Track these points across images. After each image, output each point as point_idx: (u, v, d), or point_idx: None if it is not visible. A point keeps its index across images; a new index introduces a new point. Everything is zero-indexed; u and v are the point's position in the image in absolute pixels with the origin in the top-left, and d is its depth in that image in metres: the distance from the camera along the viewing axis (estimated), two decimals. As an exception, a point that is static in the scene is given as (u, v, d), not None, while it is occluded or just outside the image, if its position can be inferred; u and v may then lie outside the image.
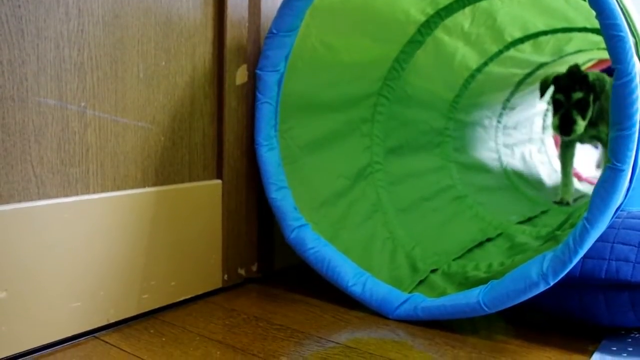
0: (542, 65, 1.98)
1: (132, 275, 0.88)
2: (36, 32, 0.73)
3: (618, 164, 0.70)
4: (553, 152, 2.54)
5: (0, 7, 0.70)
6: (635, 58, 0.70)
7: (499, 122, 2.12)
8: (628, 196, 0.73)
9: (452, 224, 1.44)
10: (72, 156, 0.80)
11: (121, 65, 0.85)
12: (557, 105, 1.73)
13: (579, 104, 1.67)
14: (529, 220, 1.59)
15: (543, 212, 1.72)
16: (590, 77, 1.67)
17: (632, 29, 0.75)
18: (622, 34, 0.69)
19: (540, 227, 1.46)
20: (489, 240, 1.36)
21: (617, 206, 0.72)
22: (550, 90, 1.74)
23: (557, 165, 2.50)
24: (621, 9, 0.73)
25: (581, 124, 1.67)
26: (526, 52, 1.72)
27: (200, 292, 1.00)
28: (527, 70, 1.97)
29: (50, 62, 0.76)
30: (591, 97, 1.67)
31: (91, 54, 0.80)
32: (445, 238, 1.33)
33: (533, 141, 2.44)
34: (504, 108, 2.11)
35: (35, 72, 0.74)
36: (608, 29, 0.70)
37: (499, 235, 1.40)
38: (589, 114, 1.68)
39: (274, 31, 0.97)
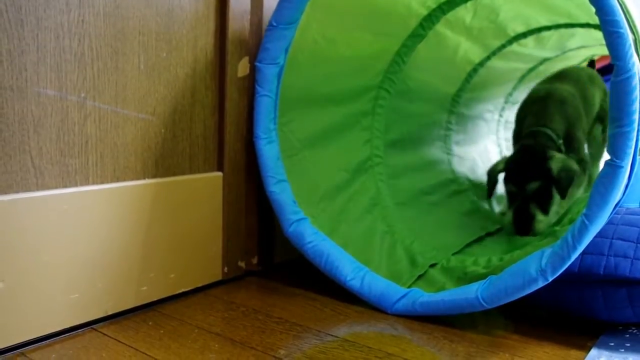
0: (545, 60, 1.97)
1: (130, 267, 0.88)
2: (36, 22, 0.73)
3: (617, 161, 0.69)
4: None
5: (0, -3, 0.70)
6: (635, 55, 0.69)
7: (500, 116, 2.11)
8: (627, 193, 0.73)
9: (452, 218, 1.44)
10: (71, 147, 0.80)
11: (122, 56, 0.85)
12: (511, 198, 1.37)
13: (538, 195, 1.30)
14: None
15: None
16: (554, 165, 1.30)
17: (632, 26, 0.74)
18: (621, 30, 0.68)
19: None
20: (488, 234, 1.36)
21: (615, 202, 0.72)
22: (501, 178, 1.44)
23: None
24: (621, 6, 0.72)
25: (542, 220, 1.30)
26: (529, 47, 1.71)
27: (199, 285, 1.00)
28: (530, 65, 1.97)
29: (50, 53, 0.75)
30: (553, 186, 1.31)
31: (92, 45, 0.80)
32: (445, 232, 1.33)
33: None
34: (506, 102, 2.10)
35: (34, 62, 0.74)
36: (607, 25, 0.69)
37: (498, 230, 1.40)
38: (553, 204, 1.31)
39: (274, 24, 0.96)
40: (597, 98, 1.68)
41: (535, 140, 1.39)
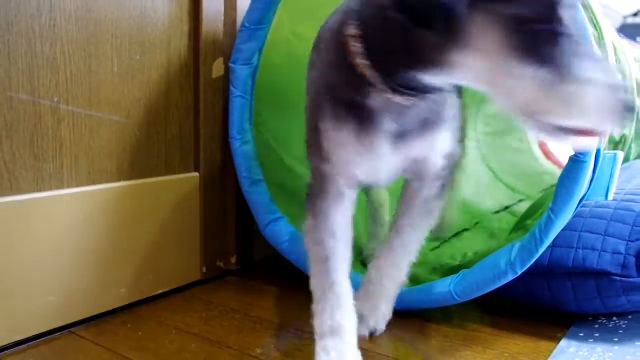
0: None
1: (108, 269, 0.89)
2: (7, 27, 0.73)
3: (580, 156, 0.71)
4: (534, 140, 2.55)
5: (-31, 3, 0.70)
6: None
7: (478, 109, 2.13)
8: (592, 187, 0.75)
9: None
10: (45, 151, 0.80)
11: (95, 60, 0.85)
12: None
13: None
14: (507, 208, 1.61)
15: (521, 201, 1.74)
16: None
17: (594, 21, 0.76)
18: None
19: (518, 215, 1.48)
20: (466, 230, 1.38)
21: (581, 197, 0.74)
22: None
23: (538, 153, 2.52)
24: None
25: None
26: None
27: (178, 285, 1.01)
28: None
29: (22, 58, 0.76)
30: None
31: (64, 49, 0.80)
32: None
33: (513, 130, 2.45)
34: (483, 96, 2.12)
35: (6, 67, 0.74)
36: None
37: (476, 224, 1.42)
38: None
39: (247, 25, 0.97)
40: None
41: None
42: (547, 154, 2.52)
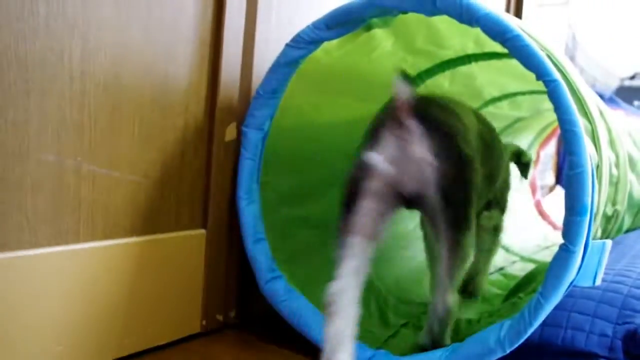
0: (519, 120, 2.06)
1: (114, 319, 0.92)
2: (41, 94, 0.79)
3: (570, 246, 0.76)
4: (529, 199, 2.61)
5: (9, 71, 0.75)
6: (589, 148, 0.77)
7: (476, 171, 2.18)
8: (580, 273, 0.79)
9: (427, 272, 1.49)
10: (65, 208, 0.84)
11: (118, 123, 0.90)
12: None
13: None
14: (500, 270, 1.65)
15: (514, 262, 1.78)
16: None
17: (587, 112, 0.82)
18: (575, 129, 0.76)
19: (510, 279, 1.52)
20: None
21: (569, 282, 0.78)
22: None
23: (533, 212, 2.57)
24: (575, 92, 0.80)
25: None
26: (504, 109, 1.79)
27: (178, 337, 1.04)
28: (505, 124, 2.05)
29: (51, 121, 0.81)
30: None
31: (90, 113, 0.86)
32: (419, 283, 1.38)
33: (513, 191, 2.50)
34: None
35: (36, 130, 0.79)
36: (563, 123, 0.77)
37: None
38: None
39: (261, 92, 1.03)
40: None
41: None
42: (542, 214, 2.57)
